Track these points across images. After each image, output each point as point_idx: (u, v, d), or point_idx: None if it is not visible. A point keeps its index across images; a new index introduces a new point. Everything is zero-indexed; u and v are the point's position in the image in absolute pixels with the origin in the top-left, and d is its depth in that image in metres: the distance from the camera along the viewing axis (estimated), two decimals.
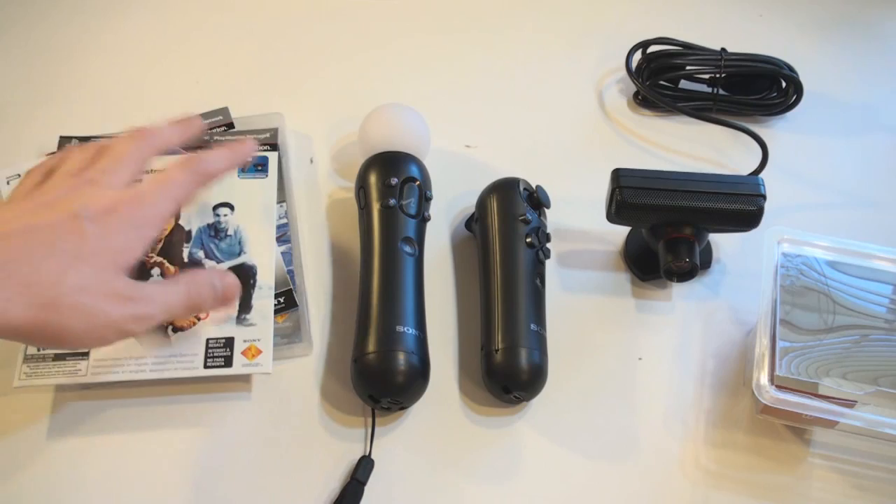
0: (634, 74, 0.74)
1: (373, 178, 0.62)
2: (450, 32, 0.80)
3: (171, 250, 0.59)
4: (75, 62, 0.76)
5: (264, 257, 0.60)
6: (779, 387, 0.52)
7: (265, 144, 0.66)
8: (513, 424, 0.57)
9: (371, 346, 0.55)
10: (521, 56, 0.79)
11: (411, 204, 0.61)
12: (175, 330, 0.57)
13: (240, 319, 0.57)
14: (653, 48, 0.75)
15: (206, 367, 0.55)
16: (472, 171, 0.69)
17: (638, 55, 0.75)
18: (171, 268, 0.59)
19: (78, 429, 0.56)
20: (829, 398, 0.52)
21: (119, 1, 0.81)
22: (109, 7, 0.80)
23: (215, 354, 0.56)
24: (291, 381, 0.59)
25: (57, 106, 0.73)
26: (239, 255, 0.60)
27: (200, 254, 0.60)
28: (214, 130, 0.69)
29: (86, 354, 0.55)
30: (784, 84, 0.73)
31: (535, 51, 0.79)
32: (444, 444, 0.57)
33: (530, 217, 0.61)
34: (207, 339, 0.56)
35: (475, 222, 0.64)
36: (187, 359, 0.55)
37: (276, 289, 0.59)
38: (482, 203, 0.63)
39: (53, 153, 0.65)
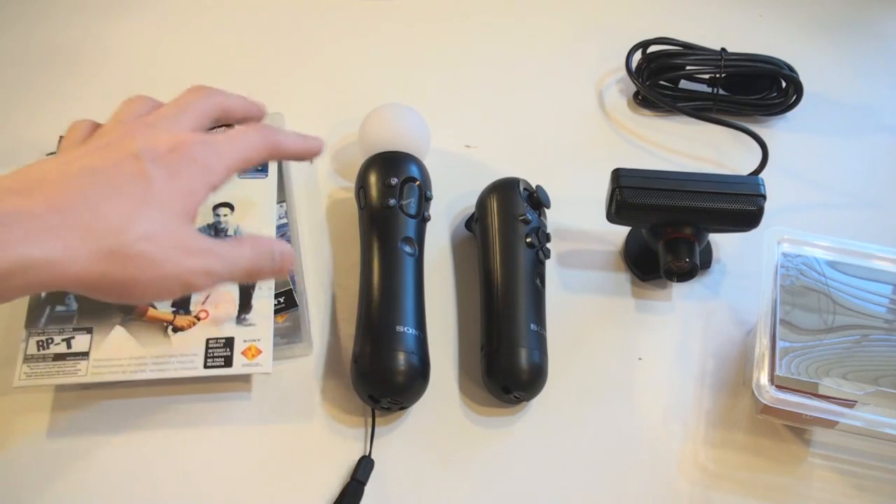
0: (634, 74, 0.74)
1: (373, 178, 0.62)
2: (450, 32, 0.80)
3: None
4: (75, 62, 0.76)
5: None
6: (779, 387, 0.52)
7: None
8: (513, 424, 0.57)
9: (371, 346, 0.55)
10: (521, 56, 0.79)
11: (411, 204, 0.61)
12: (175, 330, 0.57)
13: (240, 319, 0.57)
14: (653, 48, 0.75)
15: (206, 367, 0.55)
16: (472, 171, 0.69)
17: (638, 55, 0.75)
18: None
19: (78, 429, 0.56)
20: (829, 398, 0.52)
21: (119, 1, 0.81)
22: (109, 7, 0.80)
23: (215, 354, 0.56)
24: (291, 381, 0.59)
25: (57, 106, 0.73)
26: None
27: None
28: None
29: (86, 354, 0.55)
30: (784, 84, 0.73)
31: (535, 51, 0.79)
32: (444, 444, 0.57)
33: (530, 217, 0.61)
34: (207, 339, 0.56)
35: (475, 222, 0.64)
36: (187, 359, 0.55)
37: (276, 289, 0.59)
38: (482, 203, 0.63)
39: (53, 153, 0.65)
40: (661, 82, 0.74)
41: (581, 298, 0.64)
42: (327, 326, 0.61)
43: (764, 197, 0.59)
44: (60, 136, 0.66)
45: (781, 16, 0.83)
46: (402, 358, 0.54)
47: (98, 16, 0.80)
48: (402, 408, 0.57)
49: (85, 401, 0.57)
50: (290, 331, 0.59)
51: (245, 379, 0.58)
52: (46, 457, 0.55)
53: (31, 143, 0.68)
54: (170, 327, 0.57)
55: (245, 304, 0.58)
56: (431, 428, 0.57)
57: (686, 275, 0.60)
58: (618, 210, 0.60)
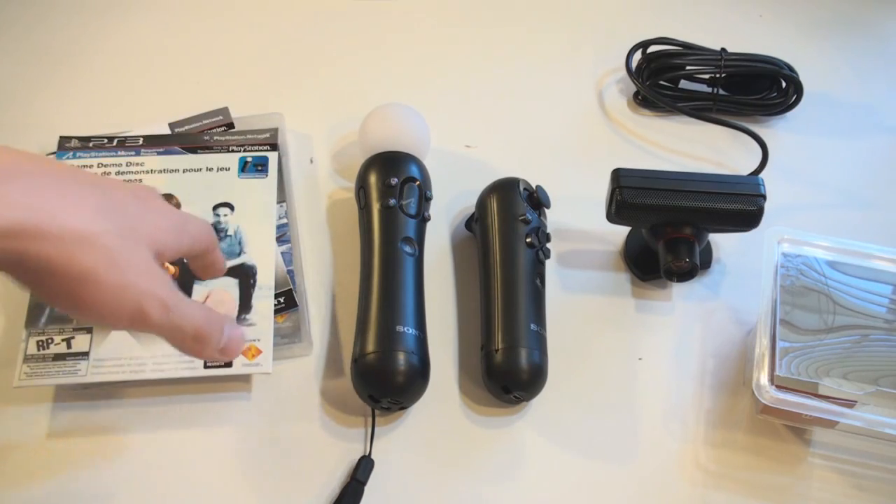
0: (634, 74, 0.74)
1: (373, 178, 0.62)
2: (450, 32, 0.80)
3: None
4: (75, 62, 0.76)
5: (264, 257, 0.60)
6: (779, 387, 0.52)
7: (265, 144, 0.66)
8: (513, 424, 0.57)
9: (371, 346, 0.55)
10: (522, 56, 0.79)
11: (411, 204, 0.61)
12: None
13: (240, 319, 0.57)
14: (653, 48, 0.75)
15: (206, 367, 0.55)
16: (472, 171, 0.69)
17: (638, 55, 0.75)
18: (172, 268, 0.59)
19: (78, 429, 0.56)
20: (829, 398, 0.52)
21: (119, 1, 0.81)
22: (109, 7, 0.80)
23: None
24: (291, 381, 0.59)
25: (57, 106, 0.73)
26: (239, 255, 0.60)
27: None
28: (214, 130, 0.69)
29: (86, 354, 0.55)
30: (784, 84, 0.73)
31: (536, 50, 0.79)
32: (444, 444, 0.57)
33: (530, 217, 0.61)
34: None
35: (475, 222, 0.64)
36: (187, 359, 0.55)
37: (276, 289, 0.59)
38: (482, 203, 0.63)
39: (53, 153, 0.65)
40: (661, 82, 0.74)
41: (581, 298, 0.64)
42: (327, 326, 0.61)
43: (764, 197, 0.59)
44: (60, 136, 0.66)
45: (781, 16, 0.83)
46: (402, 358, 0.54)
47: (97, 16, 0.80)
48: (402, 408, 0.57)
49: (85, 401, 0.57)
50: (290, 331, 0.59)
51: (245, 379, 0.58)
52: (46, 457, 0.55)
53: (30, 143, 0.68)
54: None
55: (245, 304, 0.58)
56: (431, 428, 0.57)
57: (686, 275, 0.60)
58: (618, 210, 0.60)
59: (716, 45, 0.74)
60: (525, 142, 0.72)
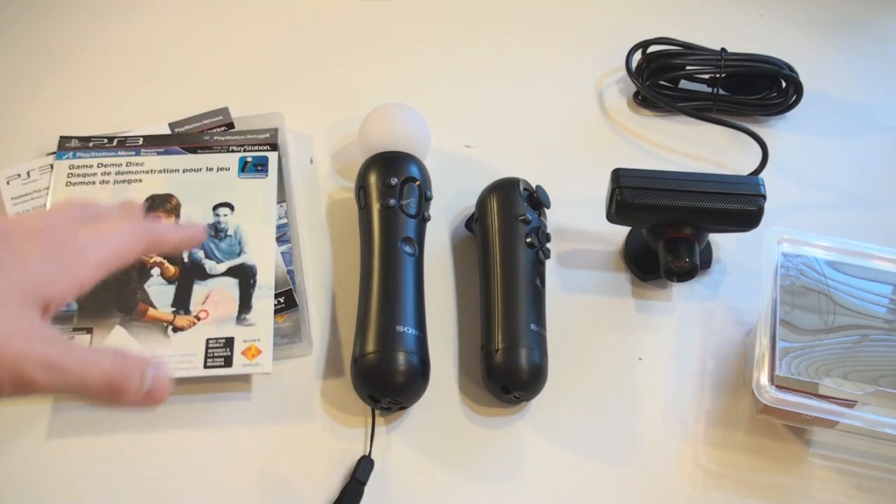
0: (634, 74, 0.74)
1: (373, 178, 0.62)
2: (450, 32, 0.80)
3: None
4: (75, 62, 0.76)
5: (264, 257, 0.60)
6: (779, 387, 0.52)
7: (265, 144, 0.66)
8: (513, 424, 0.57)
9: (371, 346, 0.55)
10: (522, 56, 0.79)
11: (411, 204, 0.61)
12: (175, 330, 0.57)
13: (240, 319, 0.57)
14: (653, 48, 0.75)
15: (206, 366, 0.55)
16: (472, 171, 0.69)
17: (638, 55, 0.75)
18: (171, 268, 0.59)
19: (78, 429, 0.56)
20: (829, 398, 0.52)
21: (119, 1, 0.81)
22: (109, 7, 0.80)
23: (215, 354, 0.56)
24: (291, 381, 0.59)
25: (57, 106, 0.73)
26: (239, 255, 0.60)
27: (200, 254, 0.60)
28: (214, 130, 0.69)
29: None
30: (784, 84, 0.73)
31: (535, 51, 0.79)
32: (444, 444, 0.57)
33: (530, 217, 0.61)
34: (207, 339, 0.56)
35: (475, 222, 0.64)
36: (187, 359, 0.55)
37: (276, 289, 0.59)
38: (482, 203, 0.63)
39: (53, 153, 0.65)
40: (661, 82, 0.74)
41: (581, 298, 0.64)
42: (327, 326, 0.61)
43: (764, 197, 0.59)
44: (60, 136, 0.66)
45: (781, 16, 0.83)
46: (402, 358, 0.54)
47: (98, 15, 0.79)
48: (402, 408, 0.57)
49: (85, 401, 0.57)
50: (290, 331, 0.59)
51: (245, 379, 0.58)
52: (46, 457, 0.55)
53: (30, 143, 0.68)
54: (170, 327, 0.57)
55: (245, 304, 0.58)
56: (431, 428, 0.57)
57: (686, 275, 0.60)
58: (618, 210, 0.60)
59: (716, 45, 0.74)
60: (525, 142, 0.72)
